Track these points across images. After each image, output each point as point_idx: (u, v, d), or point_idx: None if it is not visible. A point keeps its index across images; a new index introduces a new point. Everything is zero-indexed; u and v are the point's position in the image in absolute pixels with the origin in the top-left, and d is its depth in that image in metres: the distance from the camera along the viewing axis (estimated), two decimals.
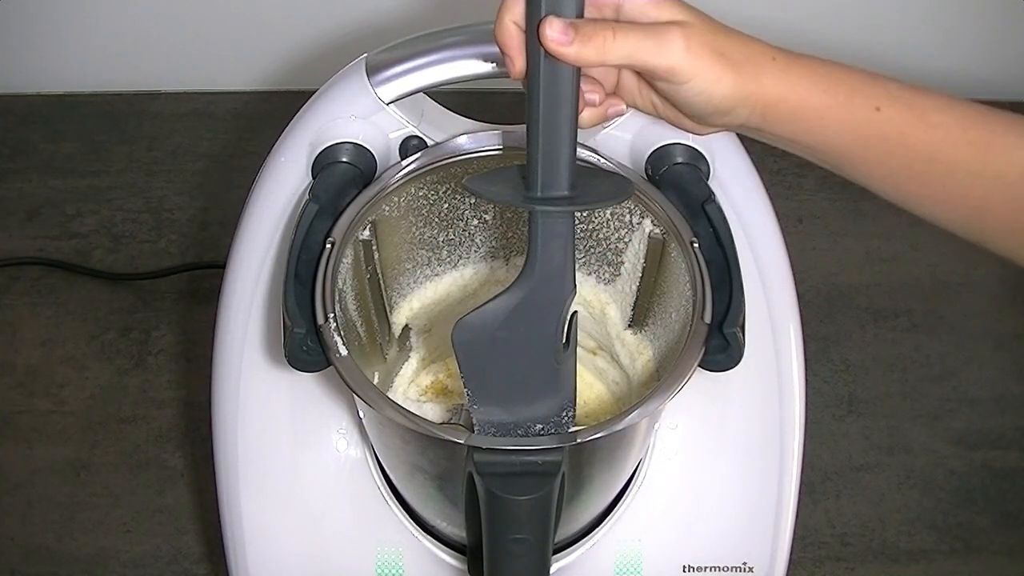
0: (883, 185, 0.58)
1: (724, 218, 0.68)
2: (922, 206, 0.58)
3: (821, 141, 0.57)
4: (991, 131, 0.55)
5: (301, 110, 0.76)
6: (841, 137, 0.56)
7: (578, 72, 0.54)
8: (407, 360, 0.81)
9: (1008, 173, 0.54)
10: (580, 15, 0.53)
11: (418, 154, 0.73)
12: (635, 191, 0.67)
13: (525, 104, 0.55)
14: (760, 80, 0.55)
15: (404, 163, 0.72)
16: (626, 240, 0.75)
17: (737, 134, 0.76)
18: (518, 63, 0.55)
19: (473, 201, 0.76)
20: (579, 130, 0.56)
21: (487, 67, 0.72)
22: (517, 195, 0.57)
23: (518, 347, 0.60)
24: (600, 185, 0.60)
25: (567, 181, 0.56)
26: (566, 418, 0.63)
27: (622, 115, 0.61)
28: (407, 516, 0.77)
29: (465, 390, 0.62)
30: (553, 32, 0.52)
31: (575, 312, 0.62)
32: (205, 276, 1.22)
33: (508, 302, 0.59)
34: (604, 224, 0.75)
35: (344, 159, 0.73)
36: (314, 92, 0.76)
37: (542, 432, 0.63)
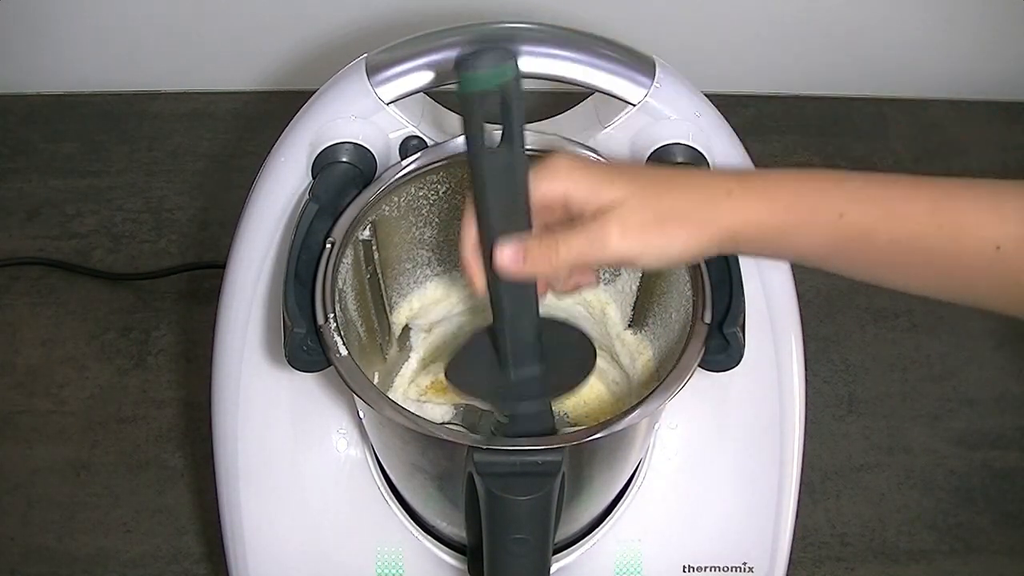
0: (868, 277, 0.58)
1: None
2: (909, 288, 0.58)
3: (794, 254, 0.58)
4: (960, 211, 0.54)
5: (301, 110, 0.76)
6: (811, 247, 0.57)
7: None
8: (407, 360, 0.81)
9: (984, 249, 0.54)
10: (529, 227, 0.57)
11: (418, 154, 0.73)
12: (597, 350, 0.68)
13: (491, 303, 0.59)
14: (716, 221, 0.56)
15: (404, 163, 0.72)
16: None
17: (733, 128, 0.76)
18: (479, 284, 0.59)
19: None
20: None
21: None
22: (494, 396, 0.63)
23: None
24: (566, 353, 0.64)
25: (535, 358, 0.62)
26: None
27: (593, 285, 0.63)
28: (407, 516, 0.77)
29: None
30: (504, 259, 0.57)
31: None
32: (205, 276, 1.22)
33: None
34: None
35: (344, 159, 0.73)
36: (314, 92, 0.76)
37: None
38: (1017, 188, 0.54)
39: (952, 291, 0.57)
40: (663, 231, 0.56)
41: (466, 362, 0.64)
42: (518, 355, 0.61)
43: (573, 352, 0.64)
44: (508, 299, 0.59)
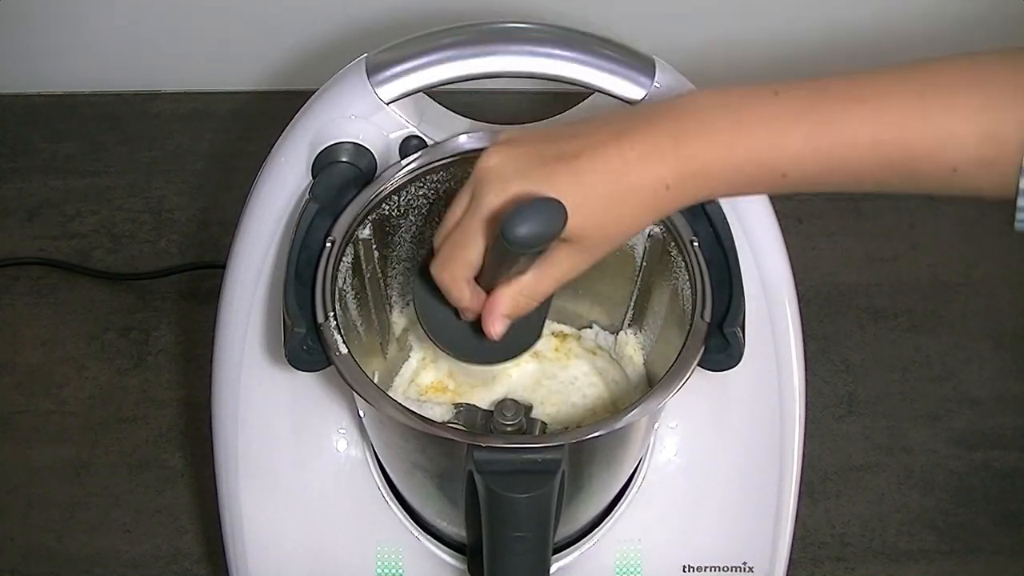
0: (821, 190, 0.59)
1: (724, 218, 0.68)
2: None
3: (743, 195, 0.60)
4: (911, 143, 0.53)
5: (301, 110, 0.76)
6: (760, 192, 0.60)
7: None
8: (407, 360, 0.81)
9: (941, 173, 0.54)
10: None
11: (418, 154, 0.73)
12: None
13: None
14: (660, 212, 0.58)
15: (404, 163, 0.72)
16: None
17: None
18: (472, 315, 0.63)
19: None
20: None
21: (487, 67, 0.72)
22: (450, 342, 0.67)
23: None
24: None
25: None
26: None
27: None
28: (407, 516, 0.77)
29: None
30: (497, 331, 0.62)
31: None
32: (205, 276, 1.22)
33: None
34: None
35: (344, 159, 0.73)
36: (314, 92, 0.76)
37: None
38: (969, 96, 0.52)
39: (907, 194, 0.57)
40: (610, 246, 0.59)
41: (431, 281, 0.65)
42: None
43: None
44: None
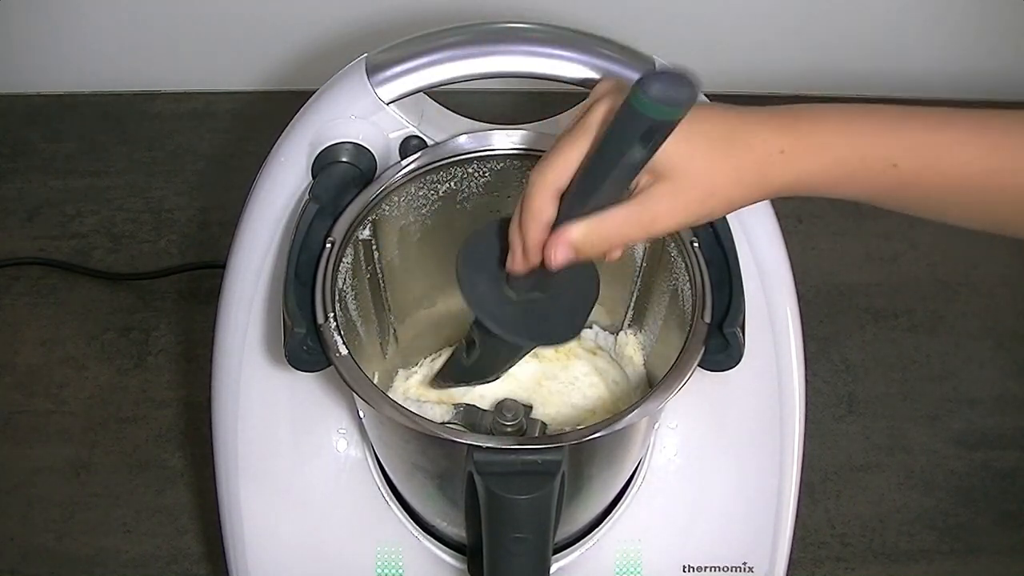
0: (919, 215, 0.58)
1: (724, 218, 0.68)
2: (961, 222, 0.58)
3: (844, 196, 0.58)
4: (1013, 151, 0.54)
5: (301, 110, 0.76)
6: (863, 193, 0.57)
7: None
8: (412, 373, 0.81)
9: None
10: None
11: (418, 154, 0.73)
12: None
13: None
14: (767, 184, 0.56)
15: (404, 163, 0.72)
16: None
17: None
18: (533, 259, 0.57)
19: (472, 203, 0.76)
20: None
21: (487, 67, 0.72)
22: (486, 310, 0.61)
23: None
24: (567, 297, 0.62)
25: (538, 285, 0.60)
26: None
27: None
28: (407, 516, 0.77)
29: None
30: (557, 258, 0.56)
31: None
32: (205, 276, 1.22)
33: None
34: None
35: (344, 159, 0.73)
36: (314, 92, 0.76)
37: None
38: None
39: (1004, 225, 0.57)
40: (711, 204, 0.55)
41: (476, 254, 0.62)
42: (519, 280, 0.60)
43: (575, 299, 0.62)
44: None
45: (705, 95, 0.77)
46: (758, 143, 0.55)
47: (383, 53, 0.74)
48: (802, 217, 1.28)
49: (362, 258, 0.72)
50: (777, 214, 0.77)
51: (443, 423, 0.75)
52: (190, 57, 1.39)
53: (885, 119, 0.56)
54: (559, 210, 0.56)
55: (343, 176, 0.71)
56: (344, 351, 0.63)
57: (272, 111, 1.27)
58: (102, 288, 1.21)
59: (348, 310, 0.70)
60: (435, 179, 0.73)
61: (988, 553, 1.04)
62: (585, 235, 0.55)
